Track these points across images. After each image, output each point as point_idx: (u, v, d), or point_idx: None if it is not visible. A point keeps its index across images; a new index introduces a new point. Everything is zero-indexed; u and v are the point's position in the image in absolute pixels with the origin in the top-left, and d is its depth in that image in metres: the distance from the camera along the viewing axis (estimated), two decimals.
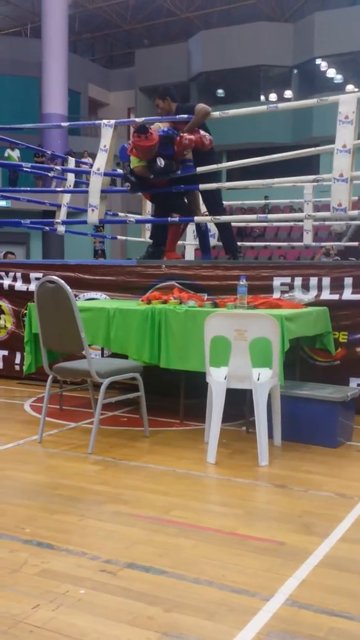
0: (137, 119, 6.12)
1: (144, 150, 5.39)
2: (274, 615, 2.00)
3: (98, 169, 5.78)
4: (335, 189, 4.78)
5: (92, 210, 5.83)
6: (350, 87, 23.53)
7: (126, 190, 5.94)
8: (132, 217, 6.76)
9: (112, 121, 5.86)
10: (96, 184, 5.78)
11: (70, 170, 8.17)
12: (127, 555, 2.41)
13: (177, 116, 5.61)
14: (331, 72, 24.41)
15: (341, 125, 4.76)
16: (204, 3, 26.69)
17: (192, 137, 5.48)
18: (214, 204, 6.05)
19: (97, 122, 6.38)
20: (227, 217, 6.55)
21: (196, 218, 5.99)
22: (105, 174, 5.85)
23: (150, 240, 6.61)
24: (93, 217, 5.87)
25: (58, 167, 8.13)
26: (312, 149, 5.80)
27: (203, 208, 6.40)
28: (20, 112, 22.28)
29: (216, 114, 5.63)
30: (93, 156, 10.55)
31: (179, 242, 6.71)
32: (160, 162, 5.42)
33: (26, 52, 24.50)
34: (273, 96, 25.12)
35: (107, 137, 5.77)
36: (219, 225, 6.22)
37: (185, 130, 5.53)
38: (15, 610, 2.01)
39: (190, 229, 8.68)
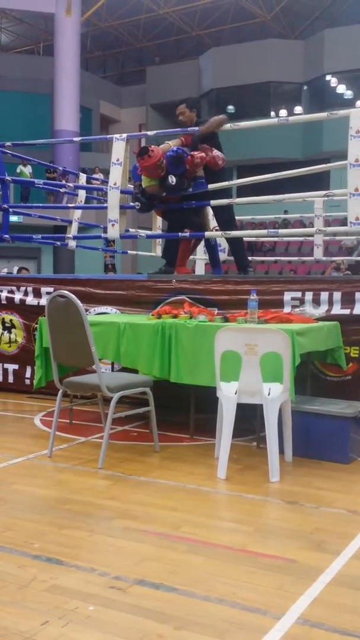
0: (149, 132, 6.17)
1: (150, 169, 5.45)
2: (286, 634, 1.97)
3: (115, 184, 5.80)
4: (351, 204, 4.78)
5: (113, 225, 5.84)
6: None
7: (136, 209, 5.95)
8: (143, 233, 6.77)
9: (124, 135, 5.90)
10: (114, 198, 5.80)
11: (82, 187, 8.22)
12: (136, 572, 2.38)
13: (189, 128, 5.64)
14: (341, 88, 24.48)
15: (353, 139, 4.76)
16: (215, 21, 26.94)
17: (203, 154, 5.51)
18: (225, 219, 6.07)
19: (108, 136, 6.43)
20: (237, 232, 6.55)
21: (207, 233, 6.00)
22: (122, 192, 5.88)
23: (162, 256, 6.61)
24: (114, 231, 5.87)
25: (70, 184, 8.18)
26: (324, 165, 5.80)
27: (213, 222, 6.41)
28: (32, 129, 22.47)
29: (227, 126, 5.67)
30: (104, 172, 10.60)
31: (189, 257, 6.71)
32: (172, 179, 5.46)
33: (39, 70, 24.78)
34: (283, 112, 25.19)
35: (119, 150, 5.80)
36: (230, 240, 6.23)
37: (200, 130, 5.57)
38: (24, 626, 2.00)
39: (200, 243, 8.68)
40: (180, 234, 5.99)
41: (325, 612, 2.11)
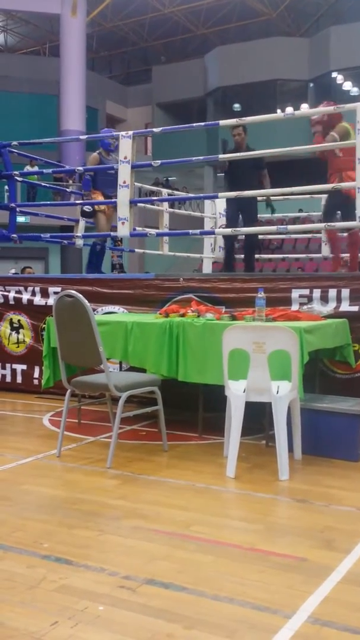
0: (155, 129, 6.20)
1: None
2: (296, 633, 1.96)
3: (124, 182, 5.80)
4: None
5: (123, 223, 5.84)
6: None
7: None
8: (153, 231, 6.77)
9: (130, 132, 5.91)
10: (124, 197, 5.81)
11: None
12: (146, 571, 2.37)
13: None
14: (347, 85, 24.41)
15: None
16: (220, 19, 26.88)
17: None
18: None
19: (115, 133, 6.45)
20: (247, 229, 6.55)
21: (216, 231, 6.02)
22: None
23: (171, 254, 6.93)
24: (124, 230, 5.86)
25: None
26: (331, 144, 5.76)
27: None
28: (39, 130, 22.49)
29: (233, 121, 5.72)
30: None
31: (196, 255, 6.75)
32: None
33: (45, 71, 24.82)
34: (289, 110, 25.18)
35: (126, 148, 5.81)
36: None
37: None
38: (33, 627, 1.99)
39: (208, 241, 8.68)
40: (191, 231, 6.02)
41: (336, 610, 2.09)
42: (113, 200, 6.20)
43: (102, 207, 7.15)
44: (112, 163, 7.04)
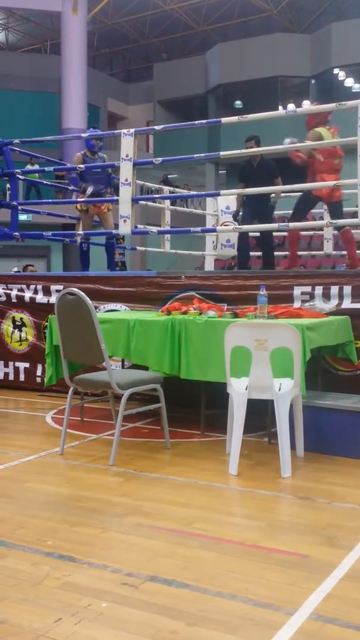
0: (157, 127, 6.19)
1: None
2: (299, 629, 1.97)
3: (126, 180, 5.80)
4: None
5: (125, 221, 5.85)
6: None
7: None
8: (154, 229, 6.78)
9: (132, 130, 5.91)
10: (126, 194, 5.81)
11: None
12: (149, 568, 2.38)
13: None
14: (349, 82, 24.37)
15: None
16: (221, 16, 26.84)
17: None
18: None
19: (116, 131, 6.46)
20: (247, 227, 6.54)
21: (218, 228, 6.03)
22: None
23: (172, 251, 6.95)
24: (125, 227, 5.87)
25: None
26: (335, 140, 5.78)
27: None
28: (40, 128, 22.49)
29: (235, 118, 5.70)
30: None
31: (197, 253, 6.76)
32: None
33: (46, 69, 24.81)
34: (291, 107, 25.12)
35: (128, 146, 5.81)
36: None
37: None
38: (37, 624, 2.00)
39: (210, 239, 8.69)
40: (192, 229, 6.01)
41: (339, 607, 2.10)
42: (115, 198, 6.22)
43: (85, 206, 7.21)
44: (97, 163, 7.22)
